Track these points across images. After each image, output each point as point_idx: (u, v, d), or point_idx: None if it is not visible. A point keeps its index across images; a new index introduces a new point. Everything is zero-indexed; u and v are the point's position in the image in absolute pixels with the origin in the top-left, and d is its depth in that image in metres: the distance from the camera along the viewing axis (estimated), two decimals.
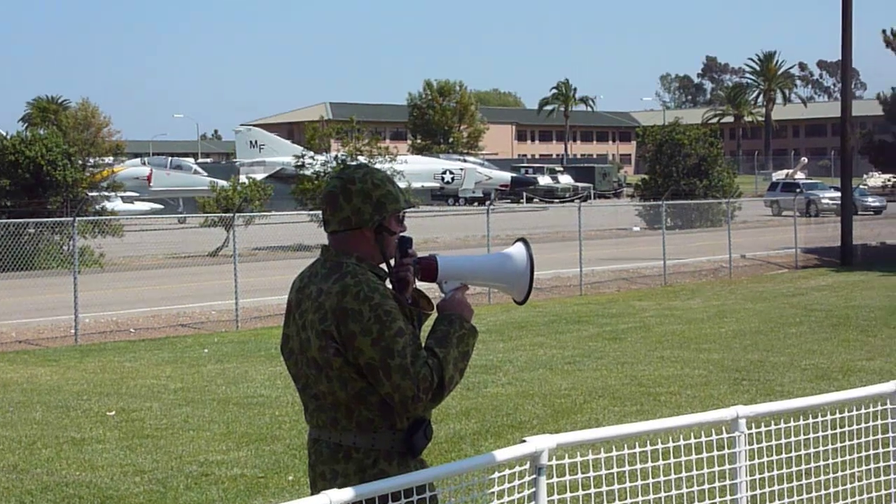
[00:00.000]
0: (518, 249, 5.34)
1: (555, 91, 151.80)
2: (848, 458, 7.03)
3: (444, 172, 78.55)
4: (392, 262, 5.27)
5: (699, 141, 57.52)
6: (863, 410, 7.05)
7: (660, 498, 6.24)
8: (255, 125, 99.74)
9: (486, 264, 5.50)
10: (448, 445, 12.42)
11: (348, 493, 4.66)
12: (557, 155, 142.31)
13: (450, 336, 5.09)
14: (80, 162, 41.39)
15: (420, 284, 5.34)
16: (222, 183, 49.45)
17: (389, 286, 5.19)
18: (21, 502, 10.72)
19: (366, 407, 5.04)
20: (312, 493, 4.98)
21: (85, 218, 33.86)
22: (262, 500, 10.44)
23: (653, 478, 6.22)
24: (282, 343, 5.33)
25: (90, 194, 41.31)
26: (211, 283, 28.33)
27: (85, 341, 22.51)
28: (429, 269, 5.25)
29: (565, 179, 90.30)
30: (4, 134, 42.85)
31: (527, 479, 5.48)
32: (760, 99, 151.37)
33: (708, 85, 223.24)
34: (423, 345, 5.08)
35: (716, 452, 6.37)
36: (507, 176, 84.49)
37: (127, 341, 22.54)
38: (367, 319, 4.96)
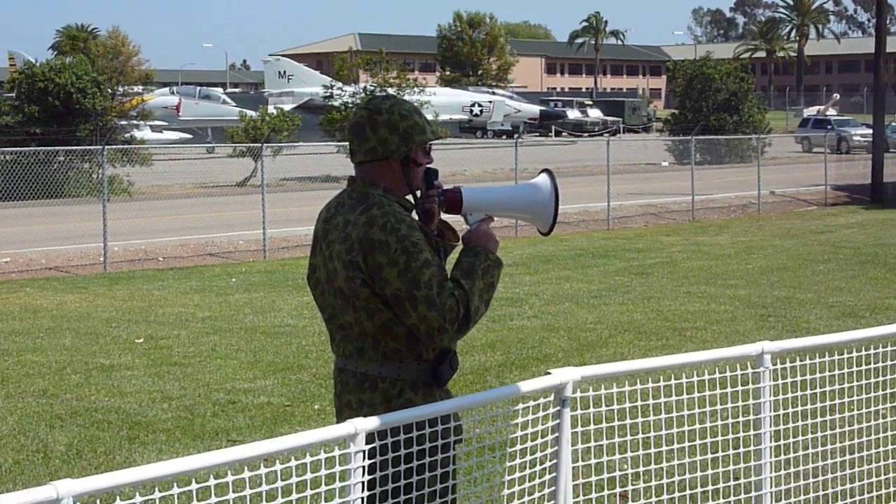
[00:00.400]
0: (542, 179, 5.34)
1: (585, 24, 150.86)
2: (873, 395, 7.04)
3: (473, 105, 78.21)
4: (418, 193, 5.28)
5: (730, 76, 57.14)
6: (889, 348, 7.05)
7: (683, 432, 6.26)
8: (283, 55, 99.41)
9: (510, 195, 5.51)
10: (473, 377, 12.48)
11: (374, 421, 4.70)
12: (587, 88, 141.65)
13: (475, 267, 5.11)
14: (109, 90, 41.40)
15: (446, 216, 5.36)
16: (251, 113, 49.43)
17: (416, 217, 5.21)
18: (51, 426, 10.83)
19: (392, 338, 5.07)
20: (338, 422, 5.02)
21: (114, 146, 33.92)
22: (288, 427, 10.53)
23: (676, 412, 6.24)
24: (308, 273, 5.35)
25: (119, 123, 41.37)
26: (239, 213, 28.39)
27: (114, 269, 22.64)
28: (453, 200, 5.25)
29: (594, 113, 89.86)
30: (34, 61, 42.89)
31: (551, 410, 5.51)
32: (793, 34, 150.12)
33: (740, 19, 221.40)
34: (449, 276, 5.10)
35: (740, 388, 6.38)
36: (535, 109, 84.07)
37: (155, 270, 22.65)
38: (394, 250, 4.97)
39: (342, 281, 5.09)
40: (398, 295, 4.98)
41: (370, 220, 5.03)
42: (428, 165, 5.29)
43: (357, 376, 5.14)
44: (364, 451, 4.63)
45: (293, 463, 4.40)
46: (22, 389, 12.34)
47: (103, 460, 9.79)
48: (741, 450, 6.46)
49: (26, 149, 33.05)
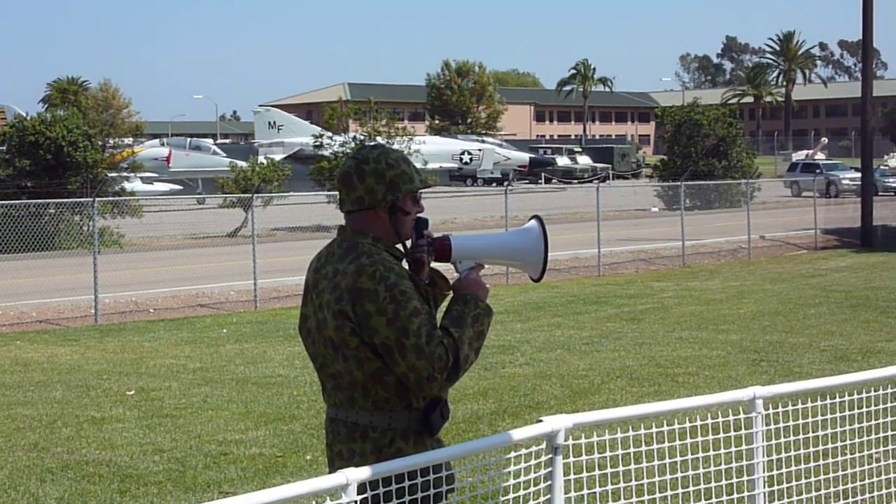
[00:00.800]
0: (531, 226, 5.36)
1: (573, 71, 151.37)
2: (866, 438, 7.03)
3: (463, 153, 78.40)
4: (408, 242, 5.29)
5: (718, 121, 57.31)
6: (881, 392, 7.05)
7: (676, 478, 6.25)
8: (273, 106, 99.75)
9: (499, 243, 5.52)
10: (465, 425, 12.45)
11: (365, 471, 4.68)
12: (576, 135, 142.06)
13: (465, 316, 5.12)
14: (100, 143, 41.47)
15: (437, 265, 5.37)
16: (241, 164, 49.48)
17: (406, 266, 5.22)
18: (41, 480, 10.78)
19: (382, 387, 5.07)
20: (330, 472, 5.00)
21: (105, 198, 33.92)
22: (280, 478, 10.48)
23: (669, 458, 6.23)
24: (300, 323, 5.36)
25: (110, 175, 41.40)
26: (230, 263, 28.37)
27: (105, 321, 22.60)
28: (442, 248, 5.27)
29: (584, 160, 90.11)
30: (25, 115, 42.96)
31: (543, 458, 5.50)
32: (780, 79, 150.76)
33: (727, 65, 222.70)
34: (438, 325, 5.10)
35: (733, 433, 6.37)
36: (525, 156, 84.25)
37: (146, 321, 22.62)
38: (383, 299, 4.98)
39: (332, 330, 5.09)
40: (387, 344, 4.98)
41: (359, 269, 5.04)
42: (419, 215, 5.30)
43: (348, 426, 5.14)
44: (356, 502, 4.61)
45: None
46: (12, 443, 12.29)
47: None
48: (735, 496, 6.44)
49: (17, 202, 33.02)
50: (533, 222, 5.37)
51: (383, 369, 5.04)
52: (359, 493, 4.63)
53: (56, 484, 10.65)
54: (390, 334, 4.97)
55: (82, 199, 31.50)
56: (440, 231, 5.34)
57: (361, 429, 5.11)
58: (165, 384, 15.49)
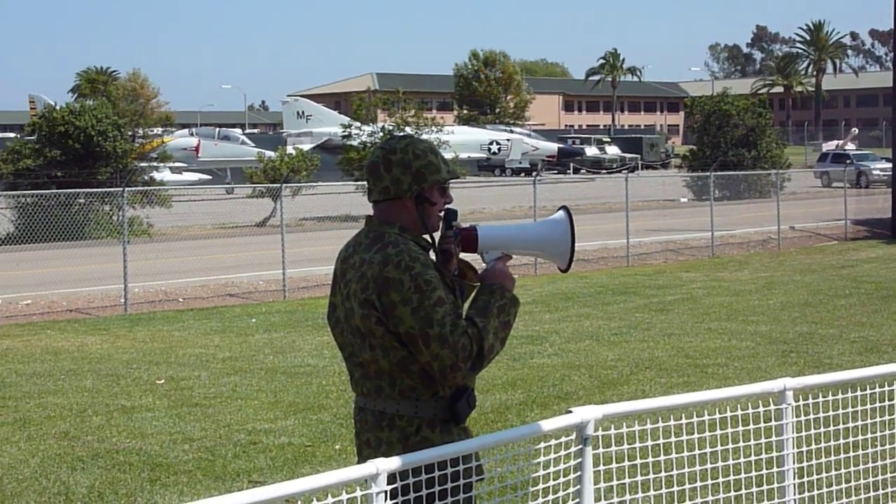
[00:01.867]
0: (558, 217, 5.37)
1: (602, 61, 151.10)
2: None
3: (491, 143, 78.34)
4: (437, 234, 5.31)
5: (747, 111, 57.06)
6: None
7: (706, 470, 6.24)
8: (302, 96, 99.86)
9: (526, 233, 5.52)
10: (494, 416, 12.46)
11: (395, 461, 4.69)
12: (604, 125, 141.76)
13: (490, 306, 5.13)
14: (129, 133, 41.61)
15: (466, 256, 5.38)
16: (269, 153, 49.59)
17: (433, 256, 5.23)
18: (72, 469, 10.84)
19: (408, 375, 5.09)
20: (359, 461, 5.03)
21: (134, 188, 34.03)
22: (309, 468, 10.51)
23: (699, 449, 6.22)
24: (328, 312, 5.39)
25: (139, 165, 41.56)
26: (258, 253, 28.41)
27: (134, 310, 22.68)
28: (469, 239, 5.28)
29: (612, 150, 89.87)
30: (54, 105, 43.13)
31: (573, 449, 5.50)
32: (810, 69, 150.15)
33: (757, 55, 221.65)
34: (465, 315, 5.12)
35: (762, 424, 6.36)
36: (553, 146, 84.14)
37: (176, 311, 22.69)
38: (408, 289, 5.01)
39: (358, 319, 5.12)
40: (411, 333, 5.01)
41: (385, 259, 5.07)
42: (448, 206, 5.31)
43: (375, 414, 5.17)
44: (386, 492, 4.62)
45: None
46: (43, 432, 12.36)
47: (125, 502, 9.79)
48: (764, 487, 6.43)
49: (47, 192, 33.20)
50: (560, 213, 5.38)
51: (409, 358, 5.07)
52: (388, 483, 4.64)
53: (86, 472, 10.71)
54: (415, 324, 5.00)
55: (112, 189, 31.59)
56: (468, 221, 5.35)
57: (388, 417, 5.14)
58: (195, 373, 15.55)
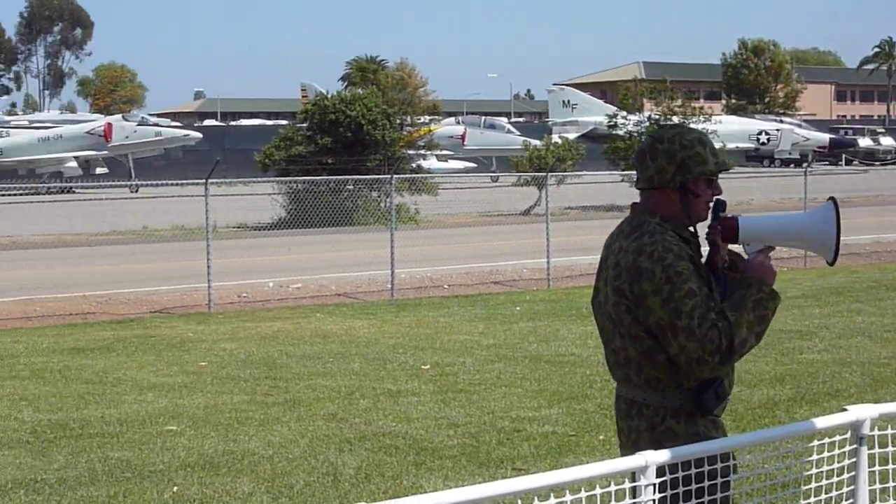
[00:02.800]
0: (823, 207, 5.22)
1: (877, 49, 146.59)
2: None
3: (760, 133, 76.80)
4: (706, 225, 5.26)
5: None
6: None
7: None
8: (567, 85, 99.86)
9: (788, 223, 5.38)
10: (762, 411, 12.21)
11: (664, 454, 4.63)
12: (879, 116, 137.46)
13: (745, 299, 5.04)
14: (397, 121, 42.36)
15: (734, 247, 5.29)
16: (535, 142, 49.80)
17: (692, 247, 5.16)
18: (340, 450, 11.07)
19: (652, 365, 5.08)
20: (620, 449, 5.03)
21: (401, 176, 34.63)
22: (572, 457, 10.48)
23: None
24: (592, 296, 5.44)
25: (407, 153, 42.26)
26: (523, 241, 28.52)
27: (400, 296, 23.06)
28: (729, 229, 5.19)
29: (887, 141, 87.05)
30: (325, 93, 44.23)
31: (847, 448, 5.33)
32: None
33: None
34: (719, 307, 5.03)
35: None
36: (825, 137, 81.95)
37: (441, 297, 22.98)
38: (659, 279, 4.98)
39: (611, 306, 5.17)
40: (660, 324, 4.99)
41: (639, 248, 5.06)
42: (717, 197, 5.22)
43: (626, 402, 5.23)
44: (654, 485, 4.56)
45: (583, 494, 4.36)
46: (313, 413, 12.67)
47: (391, 485, 9.95)
48: None
49: (318, 178, 34.12)
50: (827, 203, 5.23)
51: (654, 348, 5.05)
52: (657, 476, 4.59)
53: (354, 454, 10.93)
54: (664, 315, 4.97)
55: (380, 177, 32.22)
56: (733, 212, 5.25)
57: (637, 406, 5.16)
58: (460, 360, 15.70)
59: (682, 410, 5.08)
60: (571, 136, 58.59)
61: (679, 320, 4.93)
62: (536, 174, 36.96)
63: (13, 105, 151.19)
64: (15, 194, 39.05)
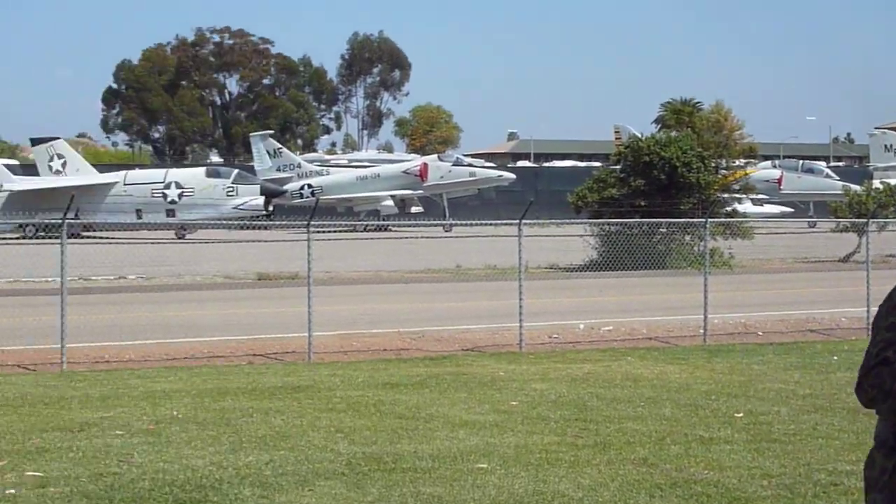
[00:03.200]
0: None
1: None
2: None
3: None
4: None
5: None
6: None
7: None
8: (890, 128, 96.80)
9: None
10: None
11: None
12: None
13: None
14: (712, 164, 41.87)
15: None
16: (855, 187, 48.43)
17: None
18: (650, 496, 10.91)
19: None
20: None
21: (716, 220, 34.19)
22: None
23: None
24: None
25: (722, 196, 41.71)
26: (841, 289, 27.72)
27: (713, 341, 22.69)
28: None
29: None
30: (639, 135, 44.12)
31: None
32: None
33: None
34: None
35: None
36: None
37: (755, 344, 22.49)
38: None
39: None
40: None
41: None
42: None
43: None
44: None
45: None
46: (623, 456, 12.53)
47: None
48: None
49: (631, 220, 34.00)
50: None
51: None
52: None
53: (664, 500, 10.75)
54: None
55: (694, 220, 31.88)
56: None
57: None
58: (774, 408, 15.30)
59: None
60: (894, 181, 56.69)
61: None
62: (856, 220, 35.91)
63: (333, 144, 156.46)
64: (333, 230, 40.35)
